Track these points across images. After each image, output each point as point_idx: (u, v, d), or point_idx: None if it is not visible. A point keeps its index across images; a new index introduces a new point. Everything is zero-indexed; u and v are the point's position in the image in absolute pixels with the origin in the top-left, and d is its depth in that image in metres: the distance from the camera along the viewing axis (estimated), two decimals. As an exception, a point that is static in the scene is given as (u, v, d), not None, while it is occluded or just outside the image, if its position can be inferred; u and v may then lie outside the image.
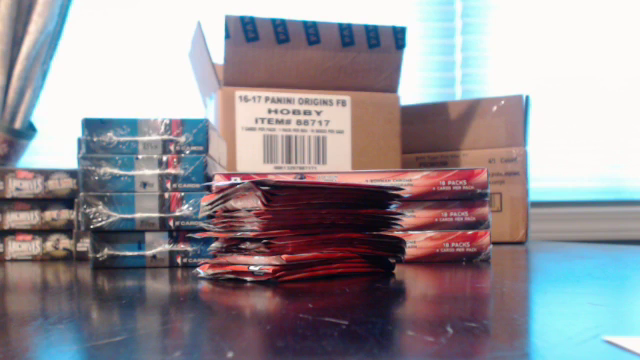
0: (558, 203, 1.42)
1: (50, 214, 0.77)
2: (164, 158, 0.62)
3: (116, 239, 0.61)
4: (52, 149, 1.28)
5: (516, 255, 0.72)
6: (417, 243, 0.62)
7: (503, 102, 1.01)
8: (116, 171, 0.61)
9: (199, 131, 0.63)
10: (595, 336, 0.26)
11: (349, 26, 0.93)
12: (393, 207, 0.53)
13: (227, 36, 0.89)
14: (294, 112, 0.92)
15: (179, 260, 0.62)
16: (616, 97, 1.45)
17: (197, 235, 0.52)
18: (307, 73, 0.93)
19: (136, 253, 0.62)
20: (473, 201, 0.62)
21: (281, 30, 0.91)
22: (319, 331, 0.28)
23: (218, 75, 0.91)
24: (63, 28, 1.15)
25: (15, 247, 0.77)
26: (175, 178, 0.62)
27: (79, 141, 0.62)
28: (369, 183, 0.62)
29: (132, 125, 0.62)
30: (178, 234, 0.62)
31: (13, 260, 0.76)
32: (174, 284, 0.48)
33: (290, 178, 0.59)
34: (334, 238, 0.49)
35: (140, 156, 0.62)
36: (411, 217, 0.62)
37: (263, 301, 0.38)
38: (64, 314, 0.34)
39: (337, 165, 0.93)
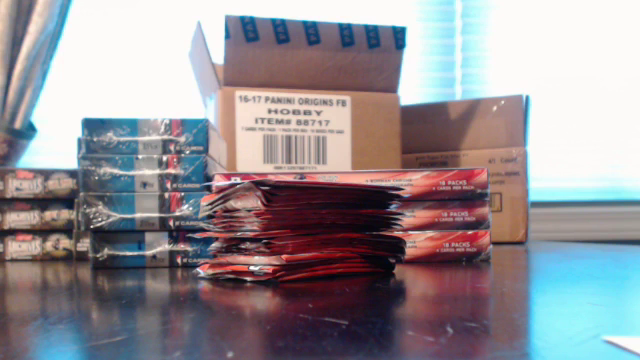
0: (558, 203, 1.42)
1: (50, 214, 0.77)
2: (164, 158, 0.62)
3: (116, 239, 0.61)
4: (52, 149, 1.28)
5: (516, 255, 0.72)
6: (417, 243, 0.62)
7: (503, 102, 1.01)
8: (116, 171, 0.61)
9: (199, 131, 0.63)
10: (595, 336, 0.26)
11: (349, 26, 0.93)
12: (393, 207, 0.53)
13: (227, 36, 0.89)
14: (294, 112, 0.92)
15: (179, 260, 0.62)
16: (616, 97, 1.45)
17: (197, 235, 0.52)
18: (307, 73, 0.93)
19: (136, 253, 0.62)
20: (473, 201, 0.62)
21: (281, 30, 0.91)
22: (319, 331, 0.28)
23: (218, 75, 0.91)
24: (63, 28, 1.15)
25: (15, 247, 0.77)
26: (175, 178, 0.62)
27: (79, 141, 0.62)
28: (369, 183, 0.62)
29: (132, 125, 0.62)
30: (178, 234, 0.62)
31: (13, 260, 0.76)
32: (174, 284, 0.48)
33: (290, 178, 0.59)
34: (334, 238, 0.49)
35: (140, 156, 0.62)
36: (411, 217, 0.62)
37: (263, 301, 0.38)
38: (64, 314, 0.34)
39: (337, 165, 0.93)
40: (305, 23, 0.91)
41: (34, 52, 1.10)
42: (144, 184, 0.62)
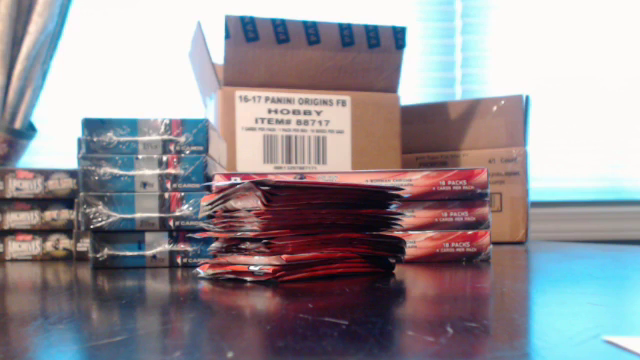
0: (558, 203, 1.42)
1: (50, 214, 0.77)
2: (164, 158, 0.62)
3: (116, 239, 0.61)
4: (52, 149, 1.28)
5: (516, 255, 0.72)
6: (417, 243, 0.62)
7: (503, 102, 1.01)
8: (116, 171, 0.61)
9: (199, 131, 0.63)
10: (595, 336, 0.26)
11: (349, 26, 0.93)
12: (393, 207, 0.53)
13: (227, 36, 0.89)
14: (294, 112, 0.92)
15: (179, 260, 0.62)
16: (616, 97, 1.45)
17: (197, 235, 0.52)
18: (307, 73, 0.93)
19: (136, 253, 0.62)
20: (473, 201, 0.62)
21: (281, 30, 0.91)
22: (319, 331, 0.28)
23: (218, 75, 0.91)
24: (63, 28, 1.15)
25: (15, 247, 0.77)
26: (175, 178, 0.62)
27: (79, 141, 0.62)
28: (369, 183, 0.62)
29: (132, 125, 0.62)
30: (178, 234, 0.62)
31: (13, 260, 0.76)
32: (174, 284, 0.48)
33: (290, 178, 0.59)
34: (334, 238, 0.49)
35: (140, 156, 0.62)
36: (411, 217, 0.62)
37: (263, 301, 0.38)
38: (64, 314, 0.34)
39: (337, 165, 0.93)
40: (305, 23, 0.91)
41: (34, 52, 1.10)
42: (144, 184, 0.62)
